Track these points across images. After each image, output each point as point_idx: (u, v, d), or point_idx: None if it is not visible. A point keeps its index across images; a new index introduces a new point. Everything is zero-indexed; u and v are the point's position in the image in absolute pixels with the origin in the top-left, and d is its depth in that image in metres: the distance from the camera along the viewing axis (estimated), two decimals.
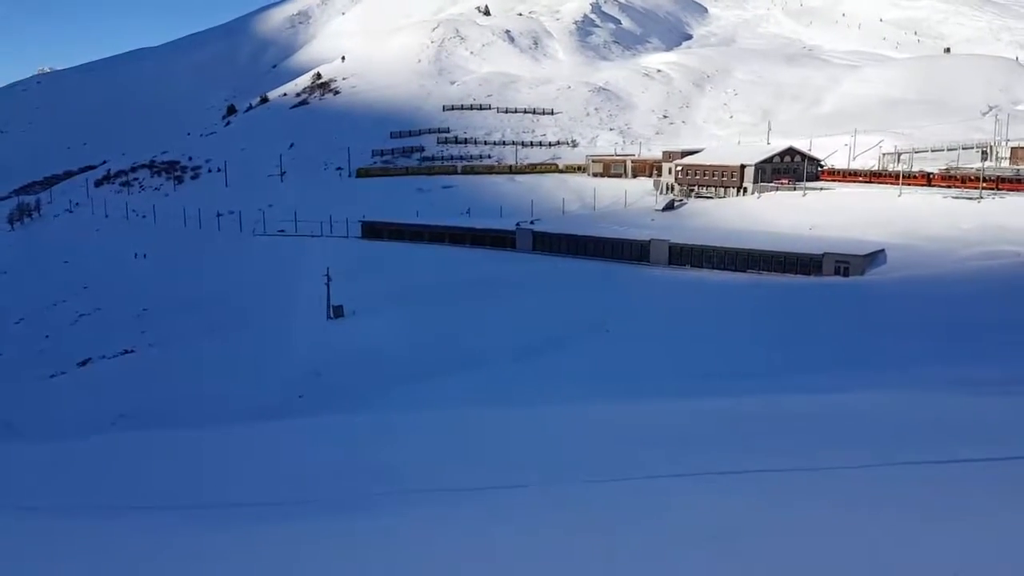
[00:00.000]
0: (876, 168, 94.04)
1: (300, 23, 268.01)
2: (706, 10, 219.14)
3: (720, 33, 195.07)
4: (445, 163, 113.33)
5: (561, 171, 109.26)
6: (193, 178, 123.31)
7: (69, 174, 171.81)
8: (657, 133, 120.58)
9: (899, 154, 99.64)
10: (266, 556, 6.64)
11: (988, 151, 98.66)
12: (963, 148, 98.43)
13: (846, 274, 66.13)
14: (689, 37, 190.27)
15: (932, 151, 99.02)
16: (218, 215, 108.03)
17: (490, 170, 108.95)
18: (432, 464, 11.17)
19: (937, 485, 7.60)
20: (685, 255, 74.84)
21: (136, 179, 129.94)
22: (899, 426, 11.42)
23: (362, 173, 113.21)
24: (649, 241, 77.26)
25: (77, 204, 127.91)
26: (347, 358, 55.00)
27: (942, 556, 5.55)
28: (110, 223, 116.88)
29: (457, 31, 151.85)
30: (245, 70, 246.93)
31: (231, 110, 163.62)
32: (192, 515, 8.69)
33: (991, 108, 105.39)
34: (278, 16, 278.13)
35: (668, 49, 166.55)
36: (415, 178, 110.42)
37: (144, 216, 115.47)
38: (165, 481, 11.45)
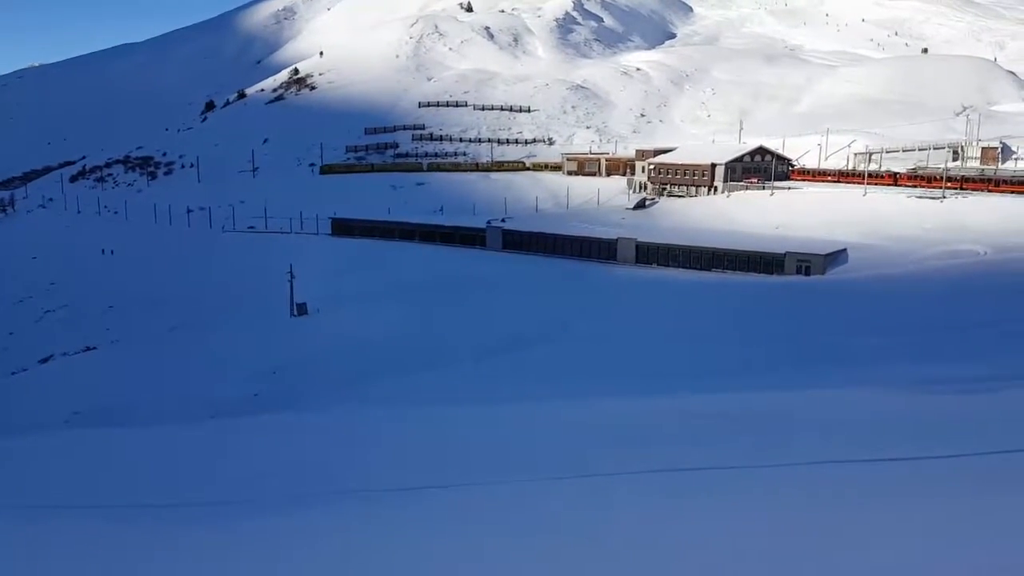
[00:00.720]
0: (847, 168, 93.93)
1: (285, 19, 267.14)
2: (691, 9, 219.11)
3: (704, 32, 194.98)
4: (419, 160, 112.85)
5: (536, 169, 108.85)
6: (166, 174, 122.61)
7: (48, 169, 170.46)
8: (634, 132, 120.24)
9: (869, 154, 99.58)
10: (169, 558, 6.66)
11: (960, 151, 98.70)
12: (934, 148, 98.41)
13: (808, 273, 66.40)
14: (673, 36, 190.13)
15: (903, 151, 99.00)
16: (188, 211, 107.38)
17: (457, 167, 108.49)
18: (368, 463, 11.13)
19: (851, 483, 7.62)
20: (652, 254, 74.88)
21: (110, 175, 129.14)
22: (834, 424, 11.50)
23: (326, 170, 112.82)
24: (616, 240, 77.14)
25: (51, 200, 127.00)
26: (307, 356, 54.78)
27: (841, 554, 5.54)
28: (82, 219, 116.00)
29: (436, 27, 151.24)
30: (230, 66, 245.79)
31: (209, 106, 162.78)
32: (114, 515, 8.67)
33: (965, 108, 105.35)
34: (263, 12, 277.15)
35: (650, 47, 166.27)
36: (389, 175, 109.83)
37: (115, 212, 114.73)
38: (96, 480, 11.41)
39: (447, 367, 44.69)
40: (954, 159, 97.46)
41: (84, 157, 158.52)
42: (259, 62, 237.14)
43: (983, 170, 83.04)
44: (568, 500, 7.89)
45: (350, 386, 42.09)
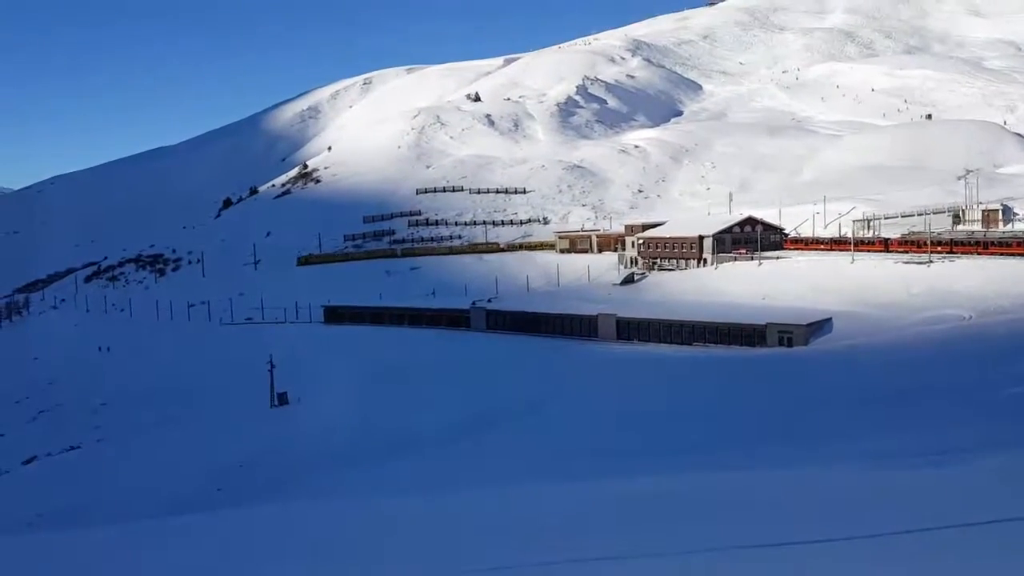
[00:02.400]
0: (839, 235, 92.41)
1: (310, 117, 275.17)
2: (700, 87, 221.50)
3: (712, 108, 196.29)
4: (416, 245, 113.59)
5: (528, 248, 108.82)
6: (174, 270, 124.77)
7: (71, 271, 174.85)
8: (631, 207, 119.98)
9: (867, 220, 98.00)
10: None
11: (960, 214, 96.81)
12: (934, 212, 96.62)
13: (790, 344, 65.16)
14: (679, 113, 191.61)
15: (902, 216, 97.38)
16: (189, 306, 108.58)
17: (450, 250, 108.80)
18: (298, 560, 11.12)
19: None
20: (632, 329, 74.13)
21: (122, 273, 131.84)
22: (751, 505, 11.69)
23: (302, 261, 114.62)
24: (596, 316, 76.35)
25: (62, 300, 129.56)
26: (279, 448, 54.73)
27: None
28: (90, 318, 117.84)
29: (438, 117, 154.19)
30: (256, 164, 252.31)
31: (227, 203, 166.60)
32: None
33: (968, 172, 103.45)
34: (290, 112, 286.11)
35: (654, 125, 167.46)
36: (384, 261, 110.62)
37: (121, 309, 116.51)
38: None
39: (415, 453, 44.41)
40: (955, 223, 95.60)
41: (105, 258, 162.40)
42: (284, 159, 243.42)
43: (973, 233, 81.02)
44: None
45: (316, 477, 42.19)
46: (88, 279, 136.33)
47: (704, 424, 39.61)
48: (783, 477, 15.28)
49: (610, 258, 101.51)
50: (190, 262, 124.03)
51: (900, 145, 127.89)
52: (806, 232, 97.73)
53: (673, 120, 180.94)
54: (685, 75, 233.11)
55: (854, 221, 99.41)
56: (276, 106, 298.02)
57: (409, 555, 10.57)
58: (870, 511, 10.11)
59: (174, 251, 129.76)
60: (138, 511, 39.37)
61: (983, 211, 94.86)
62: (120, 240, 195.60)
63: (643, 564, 8.33)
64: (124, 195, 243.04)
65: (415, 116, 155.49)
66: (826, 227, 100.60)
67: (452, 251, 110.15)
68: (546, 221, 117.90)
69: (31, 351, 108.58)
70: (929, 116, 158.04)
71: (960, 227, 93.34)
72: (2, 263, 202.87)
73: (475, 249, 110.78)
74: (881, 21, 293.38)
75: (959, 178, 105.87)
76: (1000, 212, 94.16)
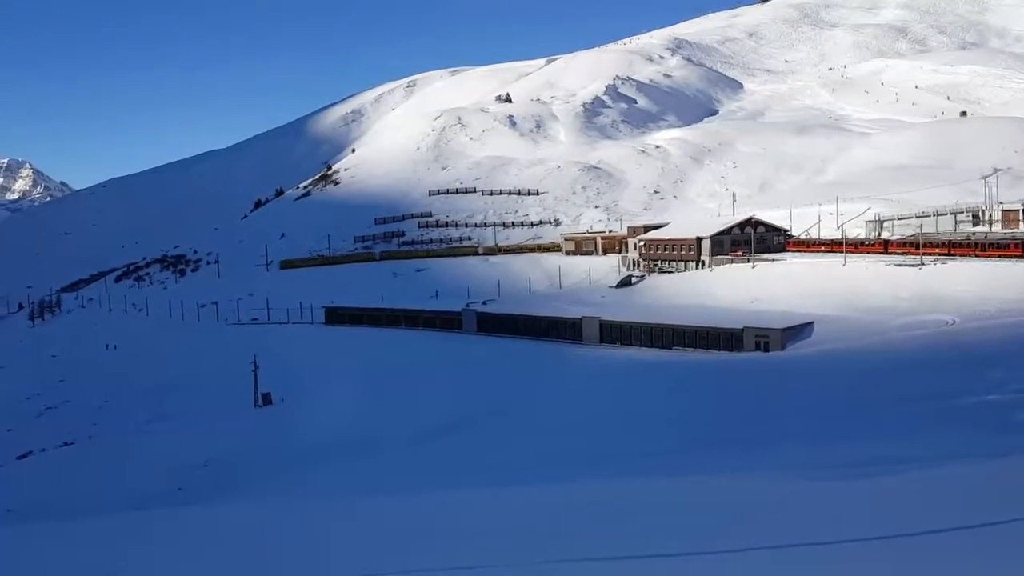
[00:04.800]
0: (849, 237, 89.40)
1: (353, 120, 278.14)
2: (741, 86, 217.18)
3: (749, 107, 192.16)
4: (425, 247, 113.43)
5: (533, 251, 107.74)
6: (193, 271, 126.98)
7: (114, 271, 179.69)
8: (645, 209, 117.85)
9: (881, 221, 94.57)
10: None
11: (979, 215, 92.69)
12: (951, 213, 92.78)
13: (766, 349, 63.59)
14: (714, 112, 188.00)
15: (916, 217, 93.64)
16: (201, 306, 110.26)
17: (453, 252, 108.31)
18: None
19: None
20: (615, 333, 73.26)
21: (148, 273, 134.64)
22: (671, 511, 11.95)
23: (286, 265, 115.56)
24: (580, 319, 75.43)
25: (90, 299, 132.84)
26: (250, 448, 55.09)
27: None
28: (112, 317, 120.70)
29: (459, 119, 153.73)
30: (298, 167, 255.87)
31: (257, 204, 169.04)
32: None
33: (996, 171, 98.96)
34: (335, 115, 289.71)
35: (684, 125, 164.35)
36: (391, 263, 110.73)
37: (140, 309, 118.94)
38: None
39: (380, 454, 44.43)
40: (975, 223, 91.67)
41: (144, 258, 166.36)
42: (325, 163, 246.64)
43: (972, 234, 77.55)
44: None
45: (276, 477, 42.35)
46: (118, 279, 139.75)
47: (653, 430, 38.77)
48: (692, 484, 15.26)
49: (614, 260, 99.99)
50: (208, 263, 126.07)
51: (929, 143, 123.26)
52: (820, 232, 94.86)
53: (706, 119, 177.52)
54: (726, 73, 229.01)
55: (866, 222, 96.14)
56: (321, 109, 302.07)
57: (307, 558, 10.67)
58: (751, 523, 10.14)
59: (195, 252, 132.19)
60: (98, 508, 40.01)
61: (1003, 211, 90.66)
62: (160, 241, 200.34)
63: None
64: (170, 197, 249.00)
65: (436, 118, 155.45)
66: (838, 228, 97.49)
67: (453, 252, 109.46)
68: (557, 223, 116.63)
69: (51, 349, 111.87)
70: (964, 113, 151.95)
71: (980, 228, 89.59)
72: (52, 263, 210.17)
73: (458, 251, 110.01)
74: (937, 16, 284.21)
75: (984, 177, 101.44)
76: (1021, 212, 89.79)
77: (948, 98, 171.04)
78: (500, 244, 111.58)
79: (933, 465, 15.81)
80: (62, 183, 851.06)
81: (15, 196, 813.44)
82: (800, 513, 10.72)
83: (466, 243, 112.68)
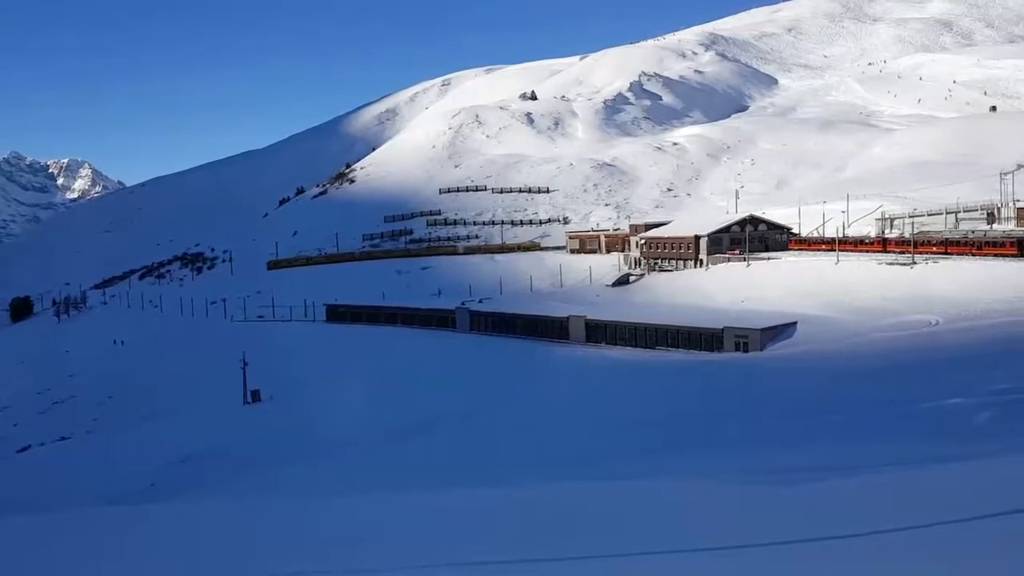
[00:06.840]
0: (850, 235, 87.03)
1: (387, 120, 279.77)
2: (776, 81, 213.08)
3: (782, 103, 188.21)
4: (432, 245, 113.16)
5: (536, 249, 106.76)
6: (209, 268, 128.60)
7: (142, 268, 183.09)
8: (657, 207, 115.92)
9: (890, 219, 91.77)
10: None
11: (995, 212, 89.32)
12: (965, 211, 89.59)
13: (745, 349, 62.29)
14: (744, 108, 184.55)
15: (928, 215, 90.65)
16: (210, 303, 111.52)
17: (454, 251, 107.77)
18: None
19: None
20: (600, 332, 72.47)
21: (168, 271, 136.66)
22: (614, 517, 11.76)
23: (272, 265, 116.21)
24: (567, 318, 74.66)
25: (112, 296, 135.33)
26: (228, 446, 55.34)
27: None
28: (128, 314, 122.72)
29: (476, 116, 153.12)
30: (332, 166, 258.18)
31: (281, 203, 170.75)
32: None
33: (1019, 167, 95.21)
34: (369, 114, 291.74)
35: (710, 121, 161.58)
36: (396, 260, 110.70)
37: (156, 306, 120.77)
38: None
39: (353, 452, 44.41)
40: (990, 221, 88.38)
41: (168, 257, 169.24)
42: (359, 161, 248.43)
43: (970, 232, 74.71)
44: None
45: (248, 475, 42.38)
46: (141, 276, 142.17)
47: (614, 432, 37.96)
48: (640, 489, 15.13)
49: (614, 259, 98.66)
50: (224, 260, 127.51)
51: (956, 139, 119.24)
52: (828, 230, 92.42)
53: (734, 115, 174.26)
54: (761, 69, 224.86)
55: (876, 220, 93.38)
56: (357, 109, 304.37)
57: (234, 557, 10.69)
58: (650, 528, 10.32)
59: (212, 250, 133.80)
60: (69, 503, 40.46)
61: (1018, 209, 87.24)
62: (189, 239, 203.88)
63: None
64: (206, 196, 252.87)
65: (454, 116, 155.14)
66: (849, 226, 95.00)
67: (483, 250, 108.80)
68: (566, 221, 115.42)
69: (67, 344, 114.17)
70: (994, 108, 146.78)
71: (996, 226, 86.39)
72: (90, 261, 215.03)
73: (507, 248, 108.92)
74: (984, 9, 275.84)
75: (1004, 174, 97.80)
76: None
77: (985, 93, 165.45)
78: (494, 244, 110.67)
79: (875, 471, 15.82)
80: (119, 182, 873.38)
81: (75, 195, 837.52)
82: (710, 518, 10.71)
83: (475, 241, 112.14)
